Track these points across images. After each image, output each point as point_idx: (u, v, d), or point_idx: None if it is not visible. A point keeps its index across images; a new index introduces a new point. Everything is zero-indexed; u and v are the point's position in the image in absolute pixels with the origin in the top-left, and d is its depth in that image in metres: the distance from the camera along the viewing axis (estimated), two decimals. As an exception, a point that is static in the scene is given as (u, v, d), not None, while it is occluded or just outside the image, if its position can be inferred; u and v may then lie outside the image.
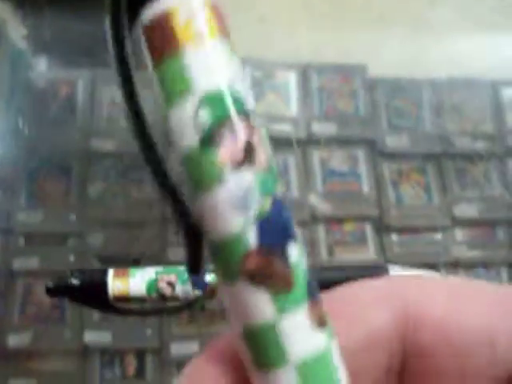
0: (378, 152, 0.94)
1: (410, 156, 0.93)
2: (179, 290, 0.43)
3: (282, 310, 0.14)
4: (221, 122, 0.14)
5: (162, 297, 0.43)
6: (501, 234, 0.92)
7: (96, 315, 0.86)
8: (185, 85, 0.14)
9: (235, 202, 0.14)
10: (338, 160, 0.93)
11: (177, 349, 0.84)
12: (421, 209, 0.91)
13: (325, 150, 0.93)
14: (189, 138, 0.14)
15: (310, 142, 0.93)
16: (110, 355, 0.85)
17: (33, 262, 0.86)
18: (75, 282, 0.44)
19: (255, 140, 0.14)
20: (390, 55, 0.95)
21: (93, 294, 0.44)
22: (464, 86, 0.97)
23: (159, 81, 0.15)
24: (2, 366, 0.84)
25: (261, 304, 0.14)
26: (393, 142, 0.94)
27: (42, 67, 0.98)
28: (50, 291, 0.46)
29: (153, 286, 0.43)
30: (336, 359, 0.15)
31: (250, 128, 0.14)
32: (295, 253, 0.15)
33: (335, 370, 0.15)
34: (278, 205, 0.14)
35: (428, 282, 0.18)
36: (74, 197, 0.89)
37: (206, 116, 0.14)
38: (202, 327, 0.86)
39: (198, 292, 0.43)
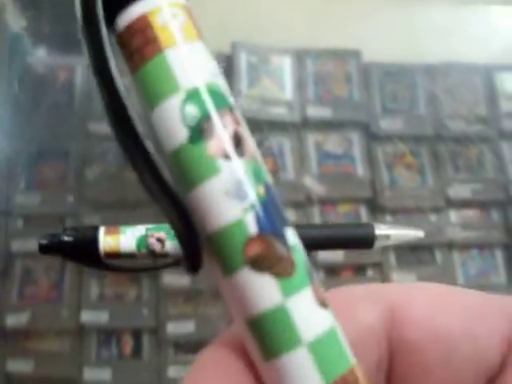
0: (371, 135, 0.95)
1: (403, 139, 0.94)
2: (169, 246, 0.44)
3: (288, 292, 0.14)
4: (208, 115, 0.14)
5: (152, 253, 0.44)
6: (495, 215, 0.93)
7: (93, 295, 0.86)
8: (169, 84, 0.15)
9: (230, 192, 0.14)
10: (332, 143, 0.94)
11: (173, 328, 0.85)
12: (414, 190, 0.92)
13: (320, 133, 0.94)
14: (177, 134, 0.15)
15: (304, 125, 0.94)
16: (107, 335, 0.86)
17: (31, 244, 0.87)
18: (68, 239, 0.45)
19: (242, 131, 0.15)
20: (384, 40, 0.95)
21: (84, 250, 0.45)
22: (458, 69, 0.98)
23: (141, 83, 0.15)
24: (0, 345, 0.85)
25: (267, 289, 0.14)
26: (387, 125, 0.95)
27: (40, 54, 0.99)
28: (43, 248, 0.47)
29: (143, 242, 0.44)
30: (342, 336, 0.15)
31: (236, 120, 0.15)
32: (292, 236, 0.15)
33: (344, 345, 0.15)
34: (271, 191, 0.15)
35: (412, 288, 0.18)
36: (72, 179, 0.90)
37: (193, 111, 0.14)
38: (198, 307, 0.87)
39: (187, 248, 0.44)
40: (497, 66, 0.99)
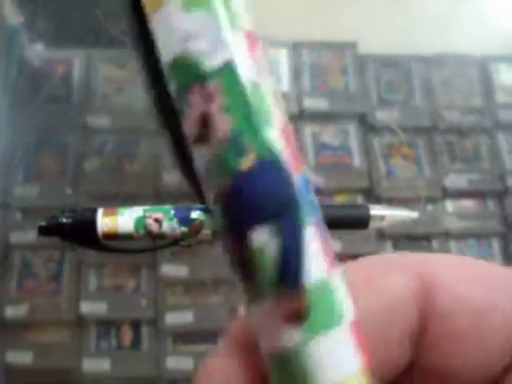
0: (368, 126, 0.95)
1: (400, 130, 0.95)
2: (166, 226, 0.45)
3: (249, 302, 0.14)
4: (179, 94, 0.13)
5: (150, 234, 0.45)
6: (491, 205, 0.93)
7: (92, 287, 0.87)
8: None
9: (204, 182, 0.13)
10: (329, 134, 0.94)
11: (172, 319, 0.85)
12: (411, 180, 0.93)
13: (316, 124, 0.94)
14: None
15: (301, 117, 0.95)
16: (106, 326, 0.86)
17: (30, 236, 0.87)
18: (66, 220, 0.45)
19: (213, 109, 0.12)
20: (380, 32, 0.96)
21: (83, 232, 0.45)
22: (453, 61, 0.99)
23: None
24: (0, 337, 0.85)
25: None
26: (383, 116, 0.95)
27: (38, 48, 0.99)
28: (42, 230, 0.47)
29: (140, 222, 0.45)
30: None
31: (207, 95, 0.12)
32: (262, 238, 0.13)
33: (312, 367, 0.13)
34: (249, 180, 0.13)
35: (437, 257, 0.18)
36: (70, 171, 0.91)
37: (172, 88, 0.13)
38: (197, 297, 0.87)
39: (184, 229, 0.45)
40: (493, 57, 1.00)
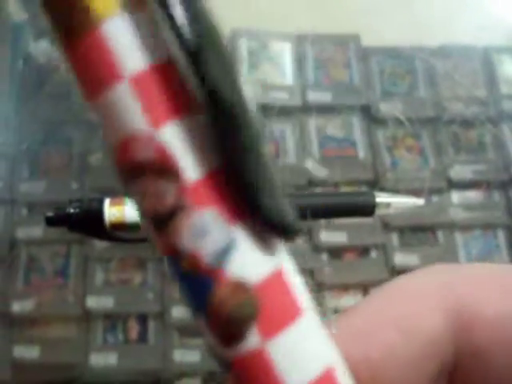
0: (372, 118, 0.95)
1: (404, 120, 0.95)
2: (173, 215, 0.44)
3: None
4: None
5: (157, 223, 0.45)
6: (496, 196, 0.93)
7: (98, 281, 0.87)
8: None
9: None
10: (333, 127, 0.94)
11: (178, 312, 0.86)
12: (416, 172, 0.92)
13: (320, 117, 0.94)
14: None
15: (305, 110, 0.95)
16: (113, 320, 0.86)
17: (36, 231, 0.87)
18: (73, 211, 0.45)
19: None
20: (383, 24, 0.96)
21: (90, 222, 0.45)
22: (457, 52, 0.99)
23: None
24: (6, 332, 0.85)
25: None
26: (387, 108, 0.95)
27: (42, 44, 0.99)
28: (49, 221, 0.47)
29: (148, 212, 0.44)
30: None
31: None
32: None
33: None
34: None
35: (480, 276, 0.17)
36: (75, 166, 0.91)
37: None
38: (203, 291, 0.87)
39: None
40: (496, 48, 0.99)
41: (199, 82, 0.12)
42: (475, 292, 0.16)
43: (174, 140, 0.12)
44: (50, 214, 0.47)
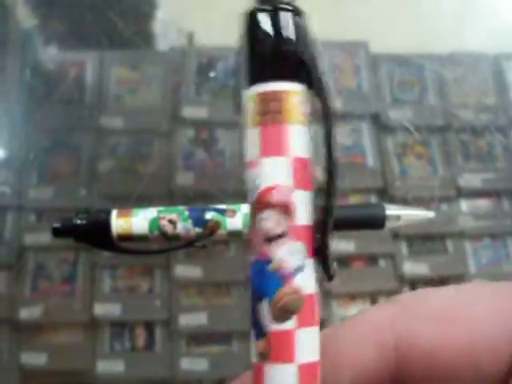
0: (381, 125, 0.95)
1: (414, 129, 0.94)
2: (180, 227, 0.44)
3: None
4: None
5: (164, 235, 0.44)
6: (506, 204, 0.93)
7: (105, 288, 0.87)
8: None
9: None
10: (342, 134, 0.94)
11: (186, 320, 0.85)
12: (425, 180, 0.92)
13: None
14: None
15: (314, 116, 0.94)
16: (120, 327, 0.86)
17: (44, 238, 0.87)
18: (80, 222, 0.45)
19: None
20: (392, 31, 0.95)
21: (97, 233, 0.45)
22: (466, 59, 0.98)
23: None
24: (14, 338, 0.85)
25: None
26: (396, 115, 0.95)
27: (51, 51, 1.00)
28: (56, 232, 0.47)
29: (155, 224, 0.44)
30: None
31: None
32: None
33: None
34: None
35: (417, 306, 0.19)
36: (84, 173, 0.91)
37: None
38: (211, 298, 0.87)
39: (198, 230, 0.44)
40: (505, 54, 0.99)
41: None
42: (412, 326, 0.18)
43: (298, 199, 0.20)
44: (56, 225, 0.47)
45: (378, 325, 0.19)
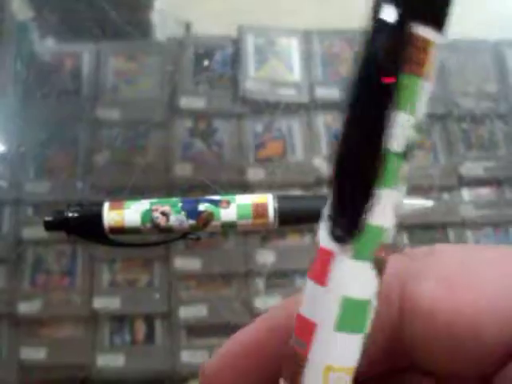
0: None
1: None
2: (173, 219, 0.44)
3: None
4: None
5: (157, 227, 0.44)
6: (508, 193, 0.92)
7: (105, 282, 0.86)
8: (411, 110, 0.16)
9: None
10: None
11: (185, 313, 0.85)
12: (426, 169, 0.91)
13: (328, 113, 0.93)
14: (396, 142, 0.16)
15: (313, 106, 0.93)
16: (119, 321, 0.86)
17: (42, 232, 0.86)
18: (72, 215, 0.45)
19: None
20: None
21: (89, 226, 0.44)
22: (467, 47, 0.97)
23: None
24: (13, 333, 0.85)
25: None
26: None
27: (48, 43, 0.99)
28: (48, 225, 0.46)
29: (147, 216, 0.44)
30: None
31: None
32: None
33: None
34: None
35: (429, 264, 0.18)
36: (81, 166, 0.90)
37: (413, 137, 0.16)
38: (210, 291, 0.86)
39: (192, 222, 0.44)
40: (506, 41, 0.98)
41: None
42: (418, 283, 0.18)
43: None
44: (48, 218, 0.46)
45: (386, 276, 0.18)
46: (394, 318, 0.18)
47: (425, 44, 0.16)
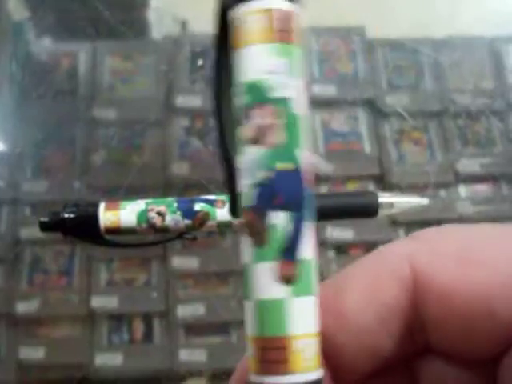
0: (378, 112, 0.94)
1: (410, 115, 0.93)
2: (169, 219, 0.44)
3: (255, 259, 0.18)
4: (249, 106, 0.18)
5: (152, 227, 0.44)
6: (505, 188, 0.92)
7: (102, 281, 0.86)
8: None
9: (246, 169, 0.18)
10: (338, 121, 0.93)
11: (183, 311, 0.85)
12: (423, 166, 0.91)
13: (325, 111, 0.93)
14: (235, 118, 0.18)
15: (310, 103, 0.93)
16: (118, 320, 0.86)
17: (39, 231, 0.86)
18: (68, 215, 0.45)
19: (267, 124, 0.17)
20: (388, 15, 0.94)
21: (85, 227, 0.44)
22: (463, 43, 0.97)
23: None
24: (11, 333, 0.85)
25: (246, 249, 0.18)
26: (393, 101, 0.94)
27: (44, 43, 0.99)
28: (44, 226, 0.46)
29: (143, 216, 0.44)
30: (293, 314, 0.18)
31: (273, 114, 0.17)
32: (278, 220, 0.18)
33: (287, 317, 0.18)
34: (279, 178, 0.18)
35: (439, 243, 0.18)
36: (78, 165, 0.90)
37: (244, 100, 0.18)
38: (208, 289, 0.86)
39: (187, 221, 0.44)
40: (503, 38, 0.98)
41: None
42: (431, 263, 0.18)
43: None
44: (44, 218, 0.46)
45: (397, 259, 0.18)
46: (408, 300, 0.18)
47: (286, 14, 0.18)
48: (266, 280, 0.18)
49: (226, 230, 0.77)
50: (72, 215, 0.45)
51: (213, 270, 0.87)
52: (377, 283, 0.18)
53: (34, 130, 0.91)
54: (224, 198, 0.44)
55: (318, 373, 0.17)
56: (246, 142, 0.18)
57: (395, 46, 0.97)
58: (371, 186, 0.90)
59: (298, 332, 0.17)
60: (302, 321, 0.18)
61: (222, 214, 0.43)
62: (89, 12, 0.94)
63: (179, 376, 0.83)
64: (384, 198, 0.46)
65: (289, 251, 0.18)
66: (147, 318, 0.86)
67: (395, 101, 0.94)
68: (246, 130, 0.18)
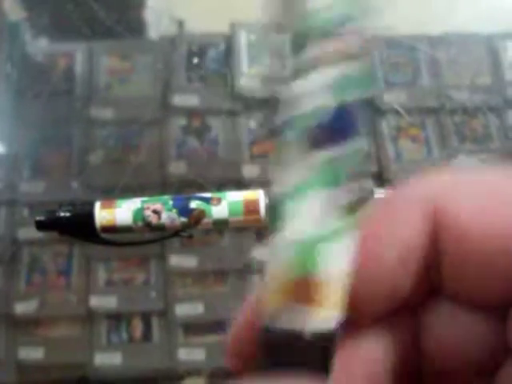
0: (375, 109, 0.94)
1: (407, 111, 0.93)
2: (165, 217, 0.44)
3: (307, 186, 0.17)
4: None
5: (148, 225, 0.44)
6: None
7: (101, 280, 0.86)
8: None
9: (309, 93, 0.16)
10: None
11: (182, 310, 0.85)
12: (421, 163, 0.91)
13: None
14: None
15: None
16: (116, 319, 0.86)
17: (37, 232, 0.86)
18: (64, 214, 0.45)
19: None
20: (385, 12, 0.94)
21: (81, 225, 0.44)
22: (460, 39, 0.97)
23: None
24: (10, 333, 0.85)
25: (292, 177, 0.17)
26: (390, 98, 0.93)
27: (40, 43, 0.99)
28: (40, 225, 0.46)
29: (139, 214, 0.44)
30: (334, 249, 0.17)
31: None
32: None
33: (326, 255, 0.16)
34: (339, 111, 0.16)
35: (460, 184, 0.18)
36: (75, 165, 0.90)
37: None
38: (207, 288, 0.86)
39: (183, 219, 0.44)
40: (500, 34, 0.98)
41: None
42: (451, 203, 0.17)
43: None
44: (40, 217, 0.46)
45: (424, 195, 0.18)
46: (428, 238, 0.18)
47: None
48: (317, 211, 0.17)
49: (223, 228, 0.77)
50: (68, 214, 0.45)
51: (211, 269, 0.87)
52: (400, 221, 0.18)
53: (31, 131, 0.91)
54: (219, 195, 0.44)
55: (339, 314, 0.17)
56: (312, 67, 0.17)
57: (392, 43, 0.97)
58: (369, 184, 0.90)
59: (332, 270, 0.17)
60: (338, 259, 0.17)
61: (218, 211, 0.43)
62: (85, 12, 0.94)
63: (178, 375, 0.83)
64: (379, 194, 0.46)
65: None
66: (146, 317, 0.86)
67: (392, 98, 0.93)
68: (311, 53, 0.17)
